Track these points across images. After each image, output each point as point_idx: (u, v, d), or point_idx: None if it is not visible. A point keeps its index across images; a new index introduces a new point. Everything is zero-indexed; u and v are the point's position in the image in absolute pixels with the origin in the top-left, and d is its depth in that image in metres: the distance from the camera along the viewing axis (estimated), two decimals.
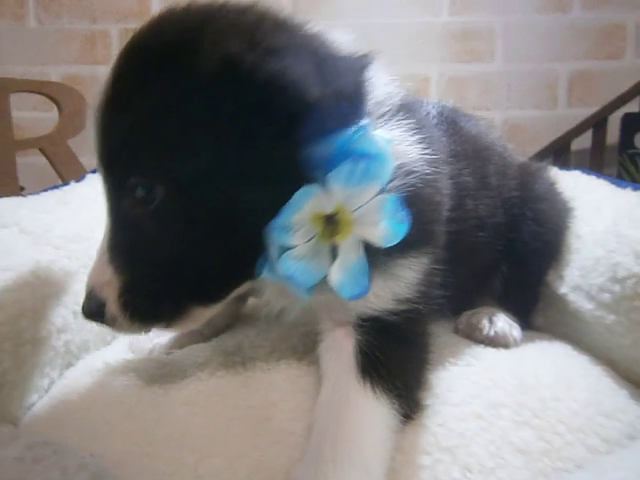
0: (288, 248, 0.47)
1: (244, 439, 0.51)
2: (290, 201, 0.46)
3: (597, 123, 1.83)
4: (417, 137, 0.55)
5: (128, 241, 0.50)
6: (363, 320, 0.55)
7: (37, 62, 2.11)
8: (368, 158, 0.47)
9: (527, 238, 0.76)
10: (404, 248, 0.51)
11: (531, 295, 0.80)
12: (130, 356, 0.68)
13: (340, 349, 0.56)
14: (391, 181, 0.50)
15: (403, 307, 0.55)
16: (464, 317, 0.77)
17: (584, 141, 1.90)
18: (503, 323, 0.74)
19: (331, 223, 0.48)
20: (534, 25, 1.98)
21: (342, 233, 0.48)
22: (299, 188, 0.46)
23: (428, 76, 2.04)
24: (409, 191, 0.51)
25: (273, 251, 0.47)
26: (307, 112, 0.43)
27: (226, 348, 0.65)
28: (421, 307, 0.56)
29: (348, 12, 2.03)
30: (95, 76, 2.10)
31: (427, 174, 0.54)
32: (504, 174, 0.77)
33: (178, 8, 0.51)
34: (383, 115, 0.53)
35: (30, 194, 0.83)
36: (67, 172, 1.30)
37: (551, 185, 0.84)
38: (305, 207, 0.46)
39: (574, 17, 1.98)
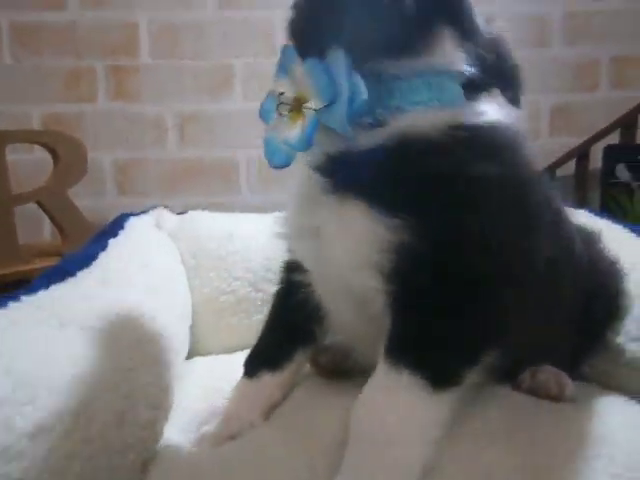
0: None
1: None
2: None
3: (580, 154, 1.95)
4: None
5: None
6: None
7: (15, 100, 1.99)
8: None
9: (595, 306, 0.76)
10: None
11: (591, 354, 0.81)
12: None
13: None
14: None
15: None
16: (526, 375, 0.74)
17: (567, 168, 2.02)
18: (570, 387, 0.73)
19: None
20: (517, 59, 2.04)
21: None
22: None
23: None
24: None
25: None
26: None
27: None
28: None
29: None
30: (80, 114, 2.02)
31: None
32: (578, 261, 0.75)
33: None
34: None
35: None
36: (67, 225, 1.23)
37: (607, 252, 0.84)
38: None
39: (553, 52, 2.10)
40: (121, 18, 1.99)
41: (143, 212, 1.17)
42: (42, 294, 0.66)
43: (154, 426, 0.65)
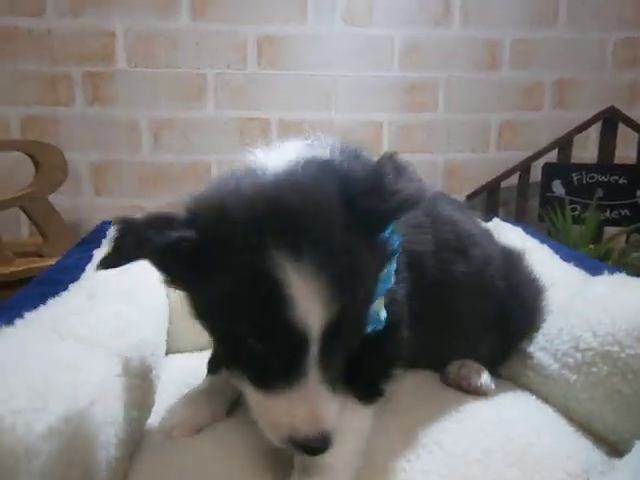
0: None
1: None
2: None
3: (523, 169, 2.14)
4: None
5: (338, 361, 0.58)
6: None
7: None
8: None
9: (514, 317, 0.91)
10: None
11: (508, 357, 0.96)
12: None
13: None
14: None
15: None
16: (453, 367, 0.92)
17: (511, 178, 2.21)
18: (486, 377, 0.90)
19: None
20: (471, 80, 2.23)
21: None
22: None
23: (381, 123, 2.23)
24: None
25: None
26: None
27: None
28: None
29: (308, 64, 2.15)
30: (57, 117, 2.04)
31: None
32: (487, 261, 0.89)
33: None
34: None
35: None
36: (48, 228, 1.30)
37: (530, 271, 0.98)
38: None
39: (503, 75, 2.26)
40: (98, 26, 2.02)
41: None
42: (42, 310, 0.76)
43: (140, 423, 0.76)
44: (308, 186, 0.55)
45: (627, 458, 0.66)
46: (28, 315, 0.73)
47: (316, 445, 0.55)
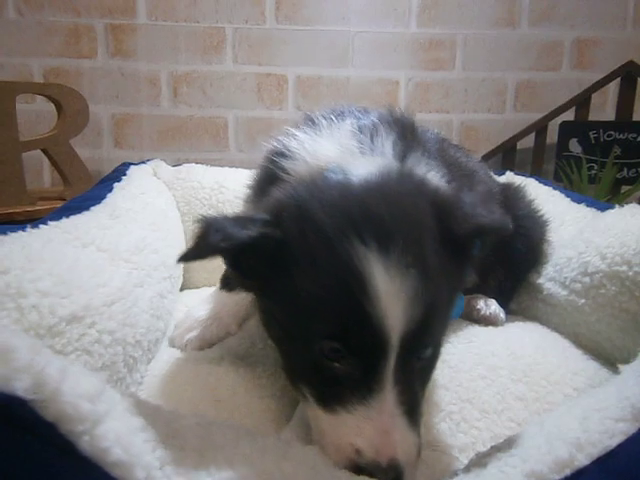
0: None
1: None
2: None
3: (539, 129, 2.12)
4: None
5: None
6: None
7: (18, 54, 2.05)
8: None
9: (517, 248, 0.94)
10: None
11: (516, 289, 0.99)
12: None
13: None
14: None
15: None
16: (464, 300, 0.93)
17: (527, 141, 2.18)
18: (495, 307, 0.93)
19: None
20: (488, 38, 2.20)
21: None
22: None
23: (397, 80, 2.21)
24: None
25: None
26: None
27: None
28: None
29: (326, 20, 2.14)
30: (79, 69, 2.08)
31: None
32: (490, 196, 0.92)
33: None
34: None
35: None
36: (70, 172, 1.34)
37: (531, 203, 1.00)
38: None
39: (521, 33, 2.22)
40: None
41: (142, 162, 1.30)
42: (65, 221, 0.78)
43: (156, 331, 0.80)
44: (397, 194, 0.54)
45: (633, 363, 0.67)
46: (51, 223, 0.76)
47: (382, 477, 0.45)
